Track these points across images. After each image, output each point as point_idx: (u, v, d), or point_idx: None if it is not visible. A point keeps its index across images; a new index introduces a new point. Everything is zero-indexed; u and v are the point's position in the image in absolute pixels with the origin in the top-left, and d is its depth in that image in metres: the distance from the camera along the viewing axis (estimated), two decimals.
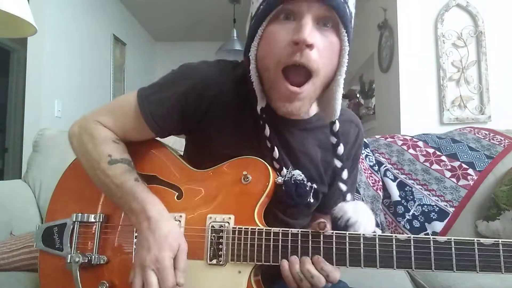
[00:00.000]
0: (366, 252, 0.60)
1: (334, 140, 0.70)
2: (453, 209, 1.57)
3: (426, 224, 1.57)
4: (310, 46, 0.59)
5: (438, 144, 1.73)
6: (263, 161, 0.70)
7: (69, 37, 2.97)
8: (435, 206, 1.59)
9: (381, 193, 1.64)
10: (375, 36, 2.94)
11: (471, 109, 2.32)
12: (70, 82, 3.00)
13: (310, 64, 0.60)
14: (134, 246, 0.71)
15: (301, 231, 0.63)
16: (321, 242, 0.62)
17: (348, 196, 0.70)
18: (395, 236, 0.60)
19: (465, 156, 1.67)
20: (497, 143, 1.69)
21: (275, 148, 0.70)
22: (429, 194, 1.61)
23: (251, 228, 0.65)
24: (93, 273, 0.74)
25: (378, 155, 1.76)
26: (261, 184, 0.68)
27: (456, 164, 1.64)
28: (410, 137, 1.80)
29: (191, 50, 5.23)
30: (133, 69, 4.28)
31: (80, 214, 0.77)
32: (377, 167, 1.72)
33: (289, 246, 0.63)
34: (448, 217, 1.56)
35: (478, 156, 1.66)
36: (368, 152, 1.76)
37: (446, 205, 1.59)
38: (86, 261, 0.73)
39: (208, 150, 0.75)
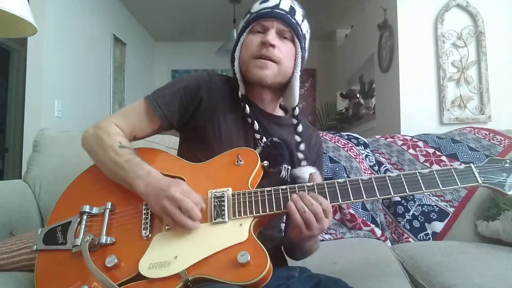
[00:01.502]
0: (341, 192, 0.77)
1: (295, 121, 0.95)
2: (453, 209, 1.58)
3: (426, 224, 1.57)
4: (273, 46, 0.87)
5: (438, 144, 1.73)
6: (252, 149, 0.85)
7: (69, 37, 2.97)
8: (435, 206, 1.59)
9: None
10: (375, 36, 2.94)
11: (471, 109, 2.32)
12: (70, 82, 3.00)
13: (274, 57, 0.88)
14: (142, 226, 0.78)
15: (289, 186, 0.78)
16: (306, 192, 0.76)
17: (304, 163, 0.91)
18: (360, 178, 0.78)
19: (465, 156, 1.67)
20: (497, 143, 1.69)
21: (255, 122, 0.91)
22: (429, 194, 1.61)
23: (248, 191, 0.78)
24: (101, 253, 0.76)
25: (378, 155, 1.76)
26: (252, 165, 0.82)
27: (456, 164, 1.64)
28: (410, 137, 1.80)
29: (191, 50, 5.24)
30: (133, 69, 4.27)
31: (88, 205, 0.82)
32: (377, 167, 1.72)
33: (280, 197, 0.77)
34: (448, 217, 1.56)
35: (478, 156, 1.66)
36: (368, 152, 1.76)
37: (446, 205, 1.59)
38: (96, 241, 0.76)
39: (201, 140, 0.91)
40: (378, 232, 1.56)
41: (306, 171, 0.86)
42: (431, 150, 1.71)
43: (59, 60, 2.84)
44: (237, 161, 0.82)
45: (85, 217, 0.81)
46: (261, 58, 0.87)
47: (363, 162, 1.69)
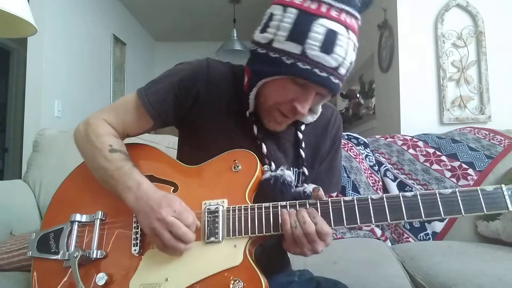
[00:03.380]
0: (347, 212, 0.68)
1: (300, 135, 0.86)
2: None
3: (426, 224, 1.57)
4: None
5: (438, 144, 1.73)
6: (251, 152, 0.77)
7: (69, 37, 2.97)
8: None
9: (381, 193, 1.64)
10: (375, 36, 2.93)
11: (471, 109, 2.32)
12: (70, 82, 3.00)
13: (297, 117, 0.78)
14: (132, 241, 0.74)
15: (289, 203, 0.71)
16: (304, 209, 0.69)
17: (307, 181, 0.83)
18: (370, 197, 0.68)
19: (465, 156, 1.67)
20: (497, 143, 1.69)
21: (263, 145, 0.81)
22: None
23: (244, 206, 0.72)
24: (92, 268, 0.75)
25: (378, 155, 1.76)
26: (250, 171, 0.76)
27: (456, 164, 1.64)
28: (410, 137, 1.80)
29: (191, 50, 5.23)
30: (133, 69, 4.27)
31: (78, 214, 0.79)
32: (377, 167, 1.72)
33: (279, 216, 0.70)
34: (448, 217, 1.56)
35: (478, 156, 1.66)
36: (368, 152, 1.76)
37: None
38: (86, 255, 0.74)
39: (199, 139, 0.83)
40: (378, 232, 1.56)
41: (309, 189, 0.78)
42: (431, 150, 1.71)
43: (59, 60, 2.84)
44: (234, 167, 0.76)
45: (75, 226, 0.78)
46: (283, 115, 0.77)
47: (363, 162, 1.69)
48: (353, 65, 0.74)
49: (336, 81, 0.71)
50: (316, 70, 0.69)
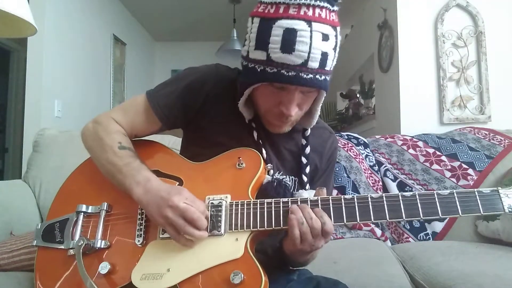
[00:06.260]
0: (347, 209, 0.70)
1: (304, 142, 0.88)
2: None
3: (426, 224, 1.57)
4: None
5: (438, 144, 1.73)
6: (255, 151, 0.80)
7: (69, 37, 2.97)
8: None
9: (381, 193, 1.64)
10: (375, 36, 2.93)
11: (471, 109, 2.32)
12: (70, 82, 3.00)
13: (293, 119, 0.78)
14: (136, 232, 0.76)
15: (291, 199, 0.73)
16: (308, 206, 0.71)
17: (307, 187, 0.85)
18: (370, 195, 0.71)
19: (465, 156, 1.67)
20: (497, 143, 1.69)
21: (263, 150, 0.83)
22: None
23: (247, 201, 0.73)
24: (95, 257, 0.76)
25: (378, 155, 1.76)
26: (253, 169, 0.78)
27: (456, 164, 1.64)
28: (410, 137, 1.80)
29: (191, 50, 5.24)
30: (133, 69, 4.27)
31: (84, 205, 0.81)
32: (377, 167, 1.72)
33: (281, 212, 0.72)
34: (448, 217, 1.56)
35: (478, 156, 1.66)
36: (368, 152, 1.76)
37: None
38: (90, 245, 0.75)
39: (203, 141, 0.86)
40: (378, 232, 1.56)
41: (304, 195, 0.79)
42: (431, 150, 1.71)
43: (59, 60, 2.84)
44: (239, 164, 0.78)
45: (81, 217, 0.80)
46: (278, 119, 0.79)
47: (363, 162, 1.69)
48: (336, 52, 0.73)
49: (309, 76, 0.70)
50: (283, 71, 0.70)
